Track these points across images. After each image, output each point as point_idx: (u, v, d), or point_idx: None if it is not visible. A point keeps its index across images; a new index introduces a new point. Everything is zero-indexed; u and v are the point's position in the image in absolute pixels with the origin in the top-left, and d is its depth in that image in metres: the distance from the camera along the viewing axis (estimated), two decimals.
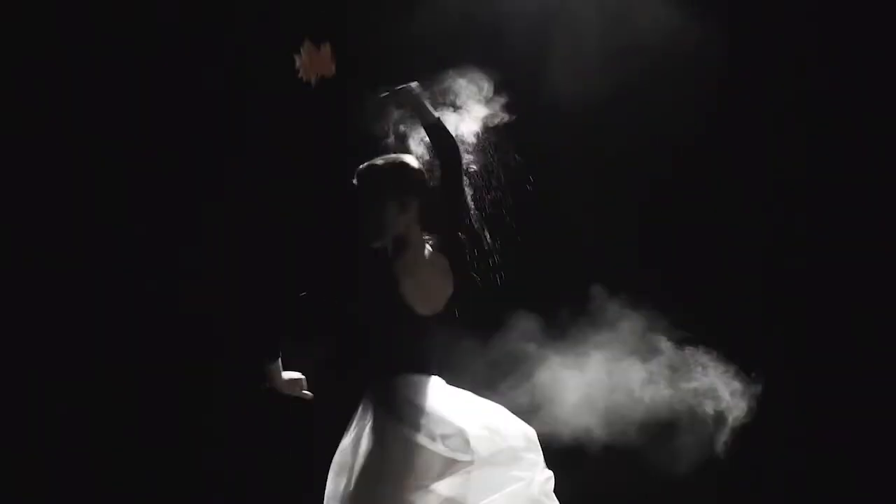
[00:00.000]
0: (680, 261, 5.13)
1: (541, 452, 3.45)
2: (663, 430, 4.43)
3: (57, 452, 5.10)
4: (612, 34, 5.08)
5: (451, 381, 3.50)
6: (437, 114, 3.51)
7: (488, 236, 3.65)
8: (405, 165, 3.51)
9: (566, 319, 4.32)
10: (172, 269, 5.19)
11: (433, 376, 3.46)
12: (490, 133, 3.69)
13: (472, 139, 3.67)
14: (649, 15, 5.01)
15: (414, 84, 3.52)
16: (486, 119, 3.70)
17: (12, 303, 5.11)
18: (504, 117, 3.70)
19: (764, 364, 4.29)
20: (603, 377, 4.20)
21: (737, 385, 4.25)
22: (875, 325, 5.15)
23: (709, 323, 4.50)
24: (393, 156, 3.55)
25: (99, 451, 5.14)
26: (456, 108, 3.69)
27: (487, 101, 3.70)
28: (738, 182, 5.23)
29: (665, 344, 4.33)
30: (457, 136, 3.60)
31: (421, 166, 3.54)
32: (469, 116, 3.68)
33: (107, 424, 5.14)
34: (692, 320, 4.44)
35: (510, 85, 3.72)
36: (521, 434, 3.43)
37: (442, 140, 3.49)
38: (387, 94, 3.54)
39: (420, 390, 3.40)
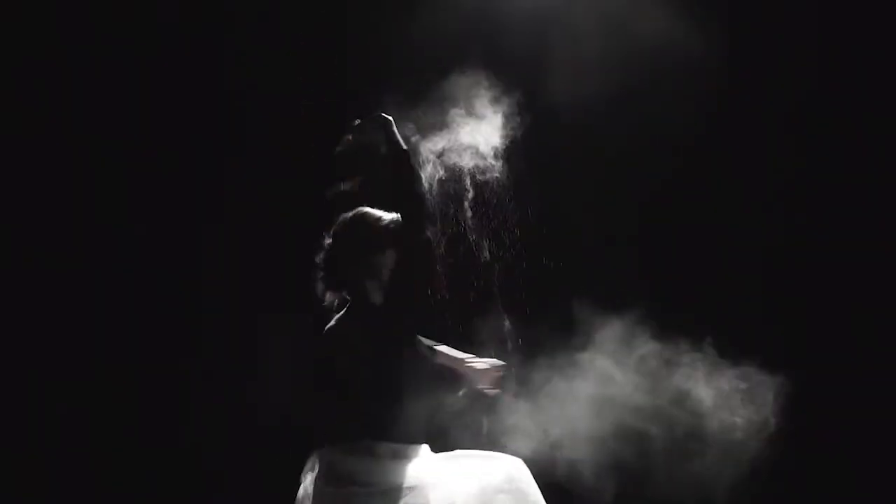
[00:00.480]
0: (679, 264, 5.12)
1: (521, 486, 3.31)
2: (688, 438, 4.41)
3: (57, 452, 5.10)
4: (611, 36, 5.04)
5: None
6: (405, 146, 3.46)
7: (486, 248, 3.65)
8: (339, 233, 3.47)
9: (566, 327, 4.31)
10: (172, 269, 5.19)
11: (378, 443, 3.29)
12: (502, 142, 3.68)
13: (486, 148, 3.65)
14: (650, 17, 4.98)
15: (384, 115, 3.46)
16: (499, 129, 3.69)
17: (12, 303, 5.11)
18: (515, 128, 3.69)
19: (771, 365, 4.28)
20: (604, 385, 4.18)
21: (759, 389, 4.24)
22: (876, 324, 5.15)
23: (709, 324, 4.49)
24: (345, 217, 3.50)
25: (99, 451, 5.14)
26: (474, 116, 3.68)
27: (503, 113, 3.70)
28: (738, 182, 5.21)
29: (672, 348, 4.31)
30: (472, 147, 3.58)
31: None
32: (484, 126, 3.66)
33: (106, 424, 5.14)
34: (692, 320, 4.43)
35: (511, 87, 3.72)
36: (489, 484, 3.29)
37: (404, 174, 3.41)
38: (359, 122, 3.50)
39: (328, 468, 3.29)
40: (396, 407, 3.30)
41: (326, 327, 3.43)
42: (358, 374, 3.30)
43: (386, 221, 3.45)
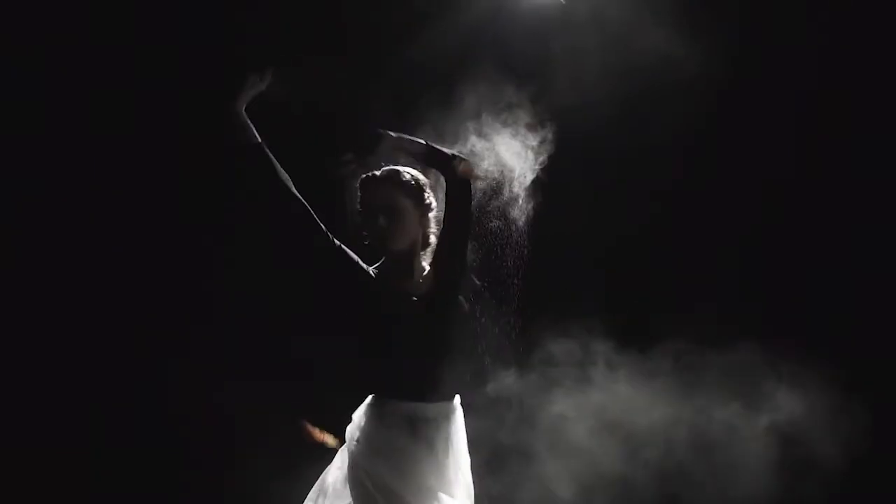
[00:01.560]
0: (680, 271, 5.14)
1: None
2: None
3: (57, 452, 5.09)
4: (613, 50, 4.99)
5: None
6: (422, 140, 3.43)
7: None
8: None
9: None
10: (172, 269, 5.18)
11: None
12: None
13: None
14: (651, 32, 4.94)
15: (382, 132, 3.44)
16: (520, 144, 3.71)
17: (13, 303, 5.09)
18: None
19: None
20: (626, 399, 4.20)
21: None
22: (877, 325, 5.17)
23: (712, 327, 4.51)
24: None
25: (98, 450, 5.14)
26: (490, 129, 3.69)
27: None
28: (738, 184, 5.22)
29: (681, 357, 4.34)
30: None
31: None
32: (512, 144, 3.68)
33: (105, 424, 5.15)
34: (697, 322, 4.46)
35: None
36: None
37: (441, 162, 3.41)
38: (354, 156, 3.50)
39: None
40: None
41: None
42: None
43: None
